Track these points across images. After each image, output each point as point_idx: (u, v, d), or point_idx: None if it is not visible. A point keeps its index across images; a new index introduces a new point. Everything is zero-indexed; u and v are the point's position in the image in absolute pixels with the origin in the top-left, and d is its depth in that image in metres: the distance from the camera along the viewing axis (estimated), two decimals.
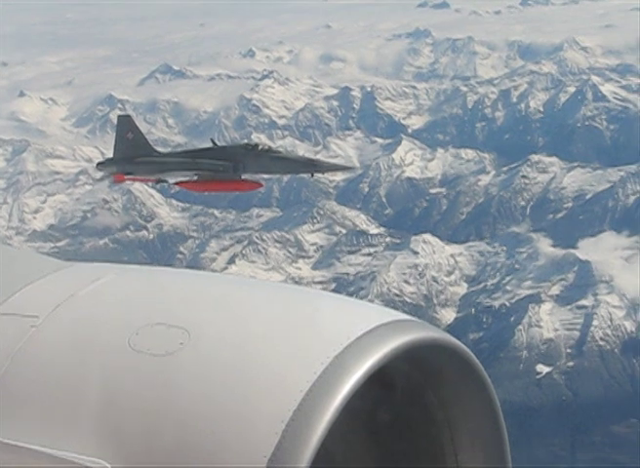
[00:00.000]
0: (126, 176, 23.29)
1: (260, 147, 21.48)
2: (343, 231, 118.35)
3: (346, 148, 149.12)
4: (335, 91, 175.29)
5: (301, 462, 2.78)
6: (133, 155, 22.50)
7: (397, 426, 3.47)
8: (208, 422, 2.90)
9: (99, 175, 25.19)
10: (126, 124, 23.44)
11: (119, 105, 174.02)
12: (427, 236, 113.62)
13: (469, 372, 3.25)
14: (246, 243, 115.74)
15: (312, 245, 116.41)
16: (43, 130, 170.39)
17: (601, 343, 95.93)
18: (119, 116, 24.76)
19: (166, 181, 23.13)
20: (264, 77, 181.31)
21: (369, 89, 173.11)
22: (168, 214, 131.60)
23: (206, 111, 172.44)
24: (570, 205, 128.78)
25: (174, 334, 3.14)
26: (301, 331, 3.13)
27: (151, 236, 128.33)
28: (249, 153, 21.37)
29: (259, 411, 2.87)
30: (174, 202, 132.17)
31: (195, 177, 21.98)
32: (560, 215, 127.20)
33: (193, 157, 22.26)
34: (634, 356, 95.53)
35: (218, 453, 2.85)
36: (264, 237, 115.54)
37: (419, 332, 3.12)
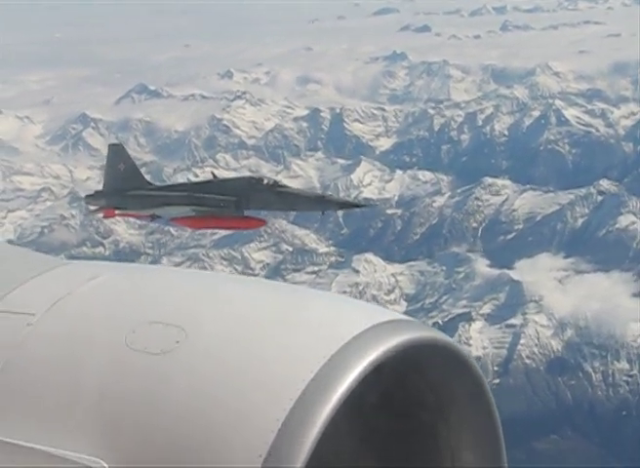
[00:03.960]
0: (117, 211, 21.65)
1: (265, 181, 19.97)
2: (290, 249, 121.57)
3: (307, 169, 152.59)
4: (305, 112, 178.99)
5: (297, 462, 2.77)
6: (124, 187, 21.01)
7: (394, 425, 3.52)
8: (204, 421, 2.91)
9: (89, 208, 23.63)
10: (117, 153, 21.80)
11: (92, 124, 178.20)
12: (369, 255, 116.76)
13: (465, 372, 3.30)
14: (193, 260, 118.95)
15: (259, 262, 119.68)
16: (16, 147, 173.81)
17: (527, 361, 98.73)
18: (110, 145, 22.93)
19: (160, 217, 21.33)
20: (237, 98, 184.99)
21: (338, 110, 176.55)
22: (125, 230, 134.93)
23: (177, 131, 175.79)
24: (520, 227, 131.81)
25: (170, 333, 3.15)
26: (299, 330, 3.15)
27: (107, 252, 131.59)
28: (252, 188, 19.82)
29: (255, 410, 2.89)
30: (131, 219, 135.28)
31: (193, 213, 20.46)
32: (510, 237, 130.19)
33: (191, 191, 20.74)
34: (559, 374, 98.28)
35: (214, 452, 2.86)
36: (211, 254, 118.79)
37: (415, 332, 3.15)
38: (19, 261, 3.98)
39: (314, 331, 3.14)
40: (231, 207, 19.86)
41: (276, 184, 19.88)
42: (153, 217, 21.39)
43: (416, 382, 3.39)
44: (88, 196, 22.95)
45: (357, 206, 24.52)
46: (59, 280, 3.66)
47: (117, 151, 21.99)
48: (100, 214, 22.88)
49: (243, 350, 3.07)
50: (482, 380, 3.38)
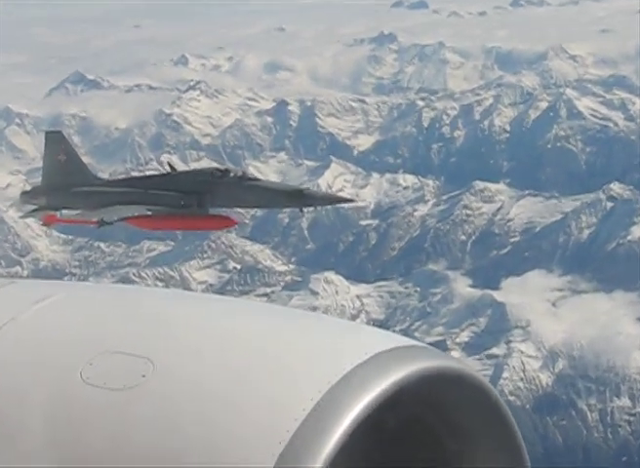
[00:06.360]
0: (59, 217, 21.08)
1: (232, 174, 20.01)
2: (238, 268, 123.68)
3: (268, 172, 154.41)
4: (272, 105, 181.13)
5: None
6: (67, 183, 20.92)
7: (404, 462, 3.52)
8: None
9: (24, 209, 23.29)
10: (56, 143, 21.60)
11: (17, 120, 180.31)
12: (330, 274, 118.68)
13: (486, 406, 3.30)
14: (123, 282, 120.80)
15: (201, 283, 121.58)
16: None
17: (511, 398, 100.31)
18: (47, 133, 22.55)
19: (110, 223, 20.51)
20: (190, 88, 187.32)
21: (309, 103, 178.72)
22: (47, 247, 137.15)
23: (118, 128, 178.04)
24: (516, 239, 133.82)
25: (134, 365, 3.13)
26: (289, 361, 3.12)
27: (25, 272, 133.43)
28: (217, 182, 19.82)
29: (238, 458, 2.87)
30: (55, 233, 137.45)
31: (149, 212, 20.25)
32: (504, 251, 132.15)
33: (146, 187, 20.60)
34: (548, 413, 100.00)
35: None
36: (144, 274, 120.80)
37: (426, 361, 3.16)
38: None
39: (308, 361, 3.13)
40: (193, 205, 20.00)
41: (245, 177, 20.15)
42: (101, 223, 20.51)
43: (429, 417, 3.39)
44: (24, 193, 22.72)
45: (343, 200, 25.03)
46: (2, 302, 3.64)
47: (56, 140, 21.80)
48: (39, 219, 22.20)
49: (222, 388, 3.04)
50: (505, 411, 3.37)
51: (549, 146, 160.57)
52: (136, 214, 20.35)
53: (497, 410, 3.35)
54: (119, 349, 3.21)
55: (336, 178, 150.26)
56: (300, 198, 19.48)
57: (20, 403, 3.14)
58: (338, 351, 3.15)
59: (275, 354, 3.15)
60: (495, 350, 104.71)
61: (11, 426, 3.11)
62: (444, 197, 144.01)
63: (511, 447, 3.41)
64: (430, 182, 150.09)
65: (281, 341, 3.25)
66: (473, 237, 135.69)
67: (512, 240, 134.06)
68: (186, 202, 19.96)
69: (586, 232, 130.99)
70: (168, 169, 21.69)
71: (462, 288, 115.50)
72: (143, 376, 3.07)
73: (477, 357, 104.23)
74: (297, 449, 2.83)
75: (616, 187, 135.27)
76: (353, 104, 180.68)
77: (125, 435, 2.96)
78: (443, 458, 3.44)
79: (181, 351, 3.19)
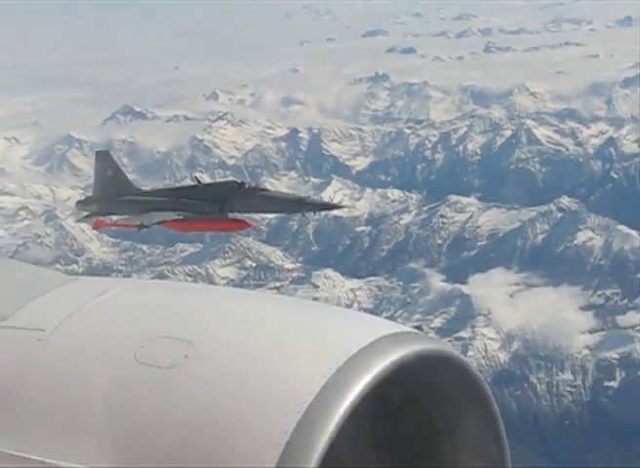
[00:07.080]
0: (106, 222, 22.41)
1: (247, 185, 20.97)
2: (254, 265, 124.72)
3: (280, 187, 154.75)
4: (285, 132, 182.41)
5: None
6: (113, 193, 21.92)
7: (398, 438, 3.57)
8: (213, 434, 2.96)
9: (79, 216, 24.45)
10: (104, 160, 22.69)
11: (76, 145, 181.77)
12: (329, 271, 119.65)
13: (471, 384, 3.35)
14: (161, 277, 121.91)
15: (223, 278, 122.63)
16: (2, 167, 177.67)
17: None
18: (97, 152, 23.79)
19: (149, 226, 21.68)
20: (219, 119, 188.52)
21: (316, 131, 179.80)
22: (98, 248, 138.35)
23: (159, 151, 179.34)
24: (483, 243, 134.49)
25: (178, 347, 3.21)
26: (304, 344, 3.19)
27: (80, 270, 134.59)
28: (235, 192, 20.72)
29: (262, 424, 2.93)
30: (105, 237, 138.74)
31: (180, 217, 21.28)
32: (473, 253, 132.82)
33: (177, 196, 21.57)
34: (505, 385, 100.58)
35: (224, 464, 2.91)
36: (177, 270, 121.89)
37: (421, 345, 3.22)
38: (30, 277, 3.99)
39: (320, 344, 3.19)
40: (216, 211, 20.78)
41: (257, 188, 21.03)
42: (140, 227, 21.63)
43: (422, 395, 3.43)
44: (79, 202, 23.88)
45: (336, 207, 26.61)
46: (68, 296, 3.71)
47: (104, 158, 22.79)
48: (91, 223, 23.48)
49: (249, 365, 3.12)
50: (487, 392, 3.43)
51: (512, 167, 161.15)
52: (170, 218, 21.36)
53: (478, 388, 3.41)
54: (165, 334, 3.29)
55: (336, 193, 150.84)
56: (302, 205, 20.28)
57: (86, 379, 3.25)
58: (346, 335, 3.23)
59: (293, 337, 3.24)
60: (462, 333, 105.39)
61: (79, 398, 3.22)
62: (425, 208, 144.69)
63: (490, 418, 3.48)
64: (414, 196, 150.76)
65: (298, 326, 3.32)
66: (448, 241, 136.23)
67: (480, 243, 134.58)
68: (210, 208, 20.85)
69: (540, 237, 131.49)
70: (195, 182, 22.79)
71: (437, 282, 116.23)
72: (186, 356, 3.17)
73: (448, 339, 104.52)
74: (311, 417, 2.91)
75: (565, 200, 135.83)
76: (352, 132, 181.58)
77: (171, 405, 3.07)
78: (432, 431, 3.49)
79: (215, 335, 3.28)
